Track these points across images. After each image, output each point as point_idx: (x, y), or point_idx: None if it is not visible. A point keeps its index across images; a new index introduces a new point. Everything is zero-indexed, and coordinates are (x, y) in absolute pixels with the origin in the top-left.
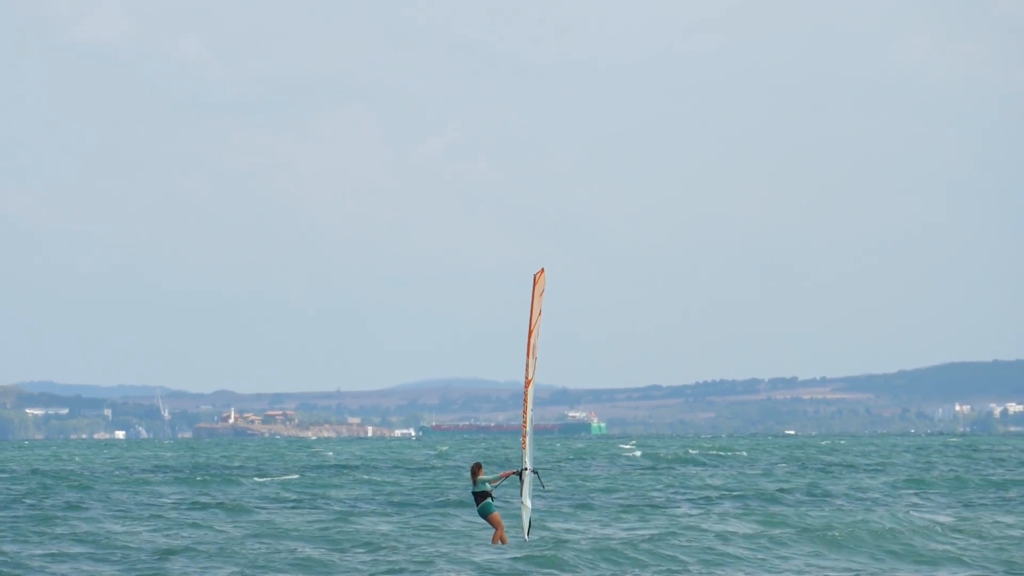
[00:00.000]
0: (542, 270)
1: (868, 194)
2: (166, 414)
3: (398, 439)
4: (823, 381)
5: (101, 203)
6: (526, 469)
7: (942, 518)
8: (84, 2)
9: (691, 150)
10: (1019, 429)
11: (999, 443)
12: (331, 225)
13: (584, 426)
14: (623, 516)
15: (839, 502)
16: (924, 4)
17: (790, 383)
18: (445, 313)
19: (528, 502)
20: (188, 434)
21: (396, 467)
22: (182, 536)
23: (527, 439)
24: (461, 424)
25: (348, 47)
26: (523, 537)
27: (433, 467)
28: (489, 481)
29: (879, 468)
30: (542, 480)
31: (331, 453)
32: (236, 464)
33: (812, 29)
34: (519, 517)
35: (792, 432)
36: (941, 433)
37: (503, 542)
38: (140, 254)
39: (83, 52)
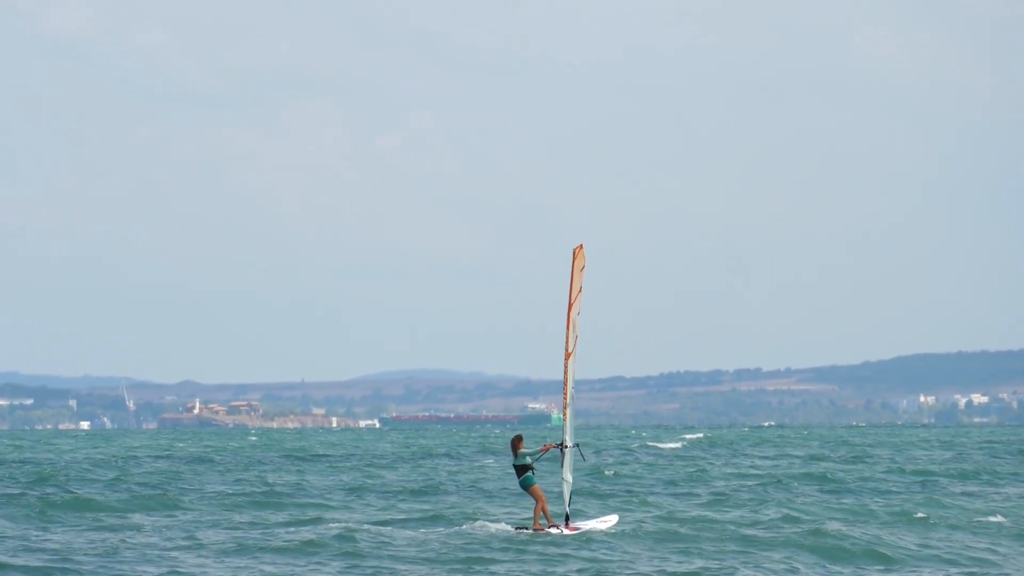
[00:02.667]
0: (581, 246)
1: (833, 189)
2: (131, 405)
3: (357, 429)
4: (788, 372)
5: (67, 194)
6: (568, 444)
7: None
8: None
9: (655, 144)
10: (984, 420)
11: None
12: (296, 217)
13: (544, 417)
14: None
15: None
16: None
17: (754, 374)
18: (409, 304)
19: (569, 477)
20: (153, 425)
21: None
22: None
23: (567, 413)
24: (421, 415)
25: (313, 40)
26: (564, 511)
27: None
28: (530, 454)
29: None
30: (583, 454)
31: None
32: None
33: (778, 25)
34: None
35: (770, 424)
36: (924, 425)
37: (545, 515)
38: (105, 245)
39: (49, 44)
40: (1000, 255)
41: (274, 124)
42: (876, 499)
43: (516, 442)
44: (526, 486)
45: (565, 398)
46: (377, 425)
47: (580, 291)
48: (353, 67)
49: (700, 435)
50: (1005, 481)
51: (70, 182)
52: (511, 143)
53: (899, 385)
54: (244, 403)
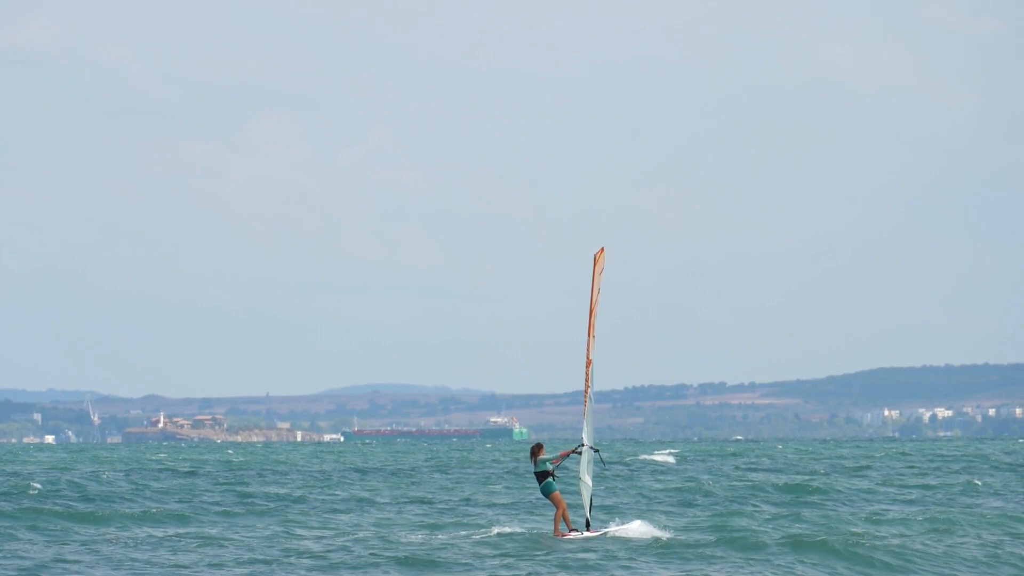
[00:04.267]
0: (602, 249)
1: (798, 204)
2: (96, 419)
3: (317, 443)
4: (752, 386)
5: (29, 207)
6: (584, 446)
7: None
8: (11, 8)
9: (620, 159)
10: (948, 434)
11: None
12: (259, 231)
13: (506, 432)
14: None
15: None
16: (851, 10)
17: (719, 388)
18: (374, 319)
19: (588, 479)
20: (118, 439)
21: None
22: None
23: (587, 419)
24: (383, 429)
25: (276, 54)
26: (585, 516)
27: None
28: (550, 461)
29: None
30: (602, 458)
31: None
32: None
33: (745, 40)
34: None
35: (740, 438)
36: (895, 438)
37: (566, 521)
38: (69, 259)
39: (11, 57)
40: (965, 270)
41: (237, 138)
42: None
43: (536, 449)
44: (546, 493)
45: (586, 403)
46: (341, 439)
47: (599, 292)
48: (316, 81)
49: (675, 450)
50: None
51: (33, 196)
52: (475, 157)
53: (863, 399)
54: (209, 417)
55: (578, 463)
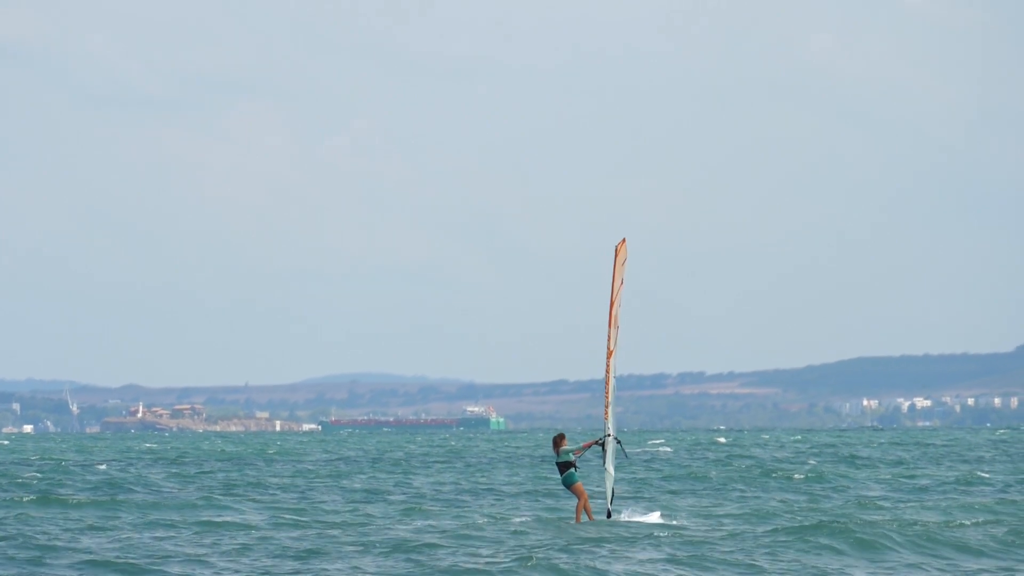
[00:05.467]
0: (623, 240)
1: (778, 196)
2: (75, 408)
3: (296, 433)
4: (731, 376)
5: (10, 196)
6: (609, 436)
7: None
8: None
9: (599, 149)
10: (927, 424)
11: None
12: (239, 220)
13: (483, 421)
14: None
15: None
16: (837, 2)
17: (698, 378)
18: (353, 308)
19: (611, 469)
20: (96, 428)
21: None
22: None
23: (609, 409)
24: (360, 419)
25: (257, 43)
26: (607, 507)
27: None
28: (572, 452)
29: None
30: (624, 448)
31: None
32: None
33: (722, 28)
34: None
35: (722, 427)
36: (879, 427)
37: (587, 512)
38: (49, 248)
39: None
40: (944, 260)
41: (218, 127)
42: None
43: (558, 440)
44: (568, 483)
45: (607, 395)
46: (319, 429)
47: (622, 284)
48: (298, 70)
49: (660, 440)
50: None
51: (12, 185)
52: (456, 147)
53: (842, 389)
54: (187, 406)
55: (597, 453)
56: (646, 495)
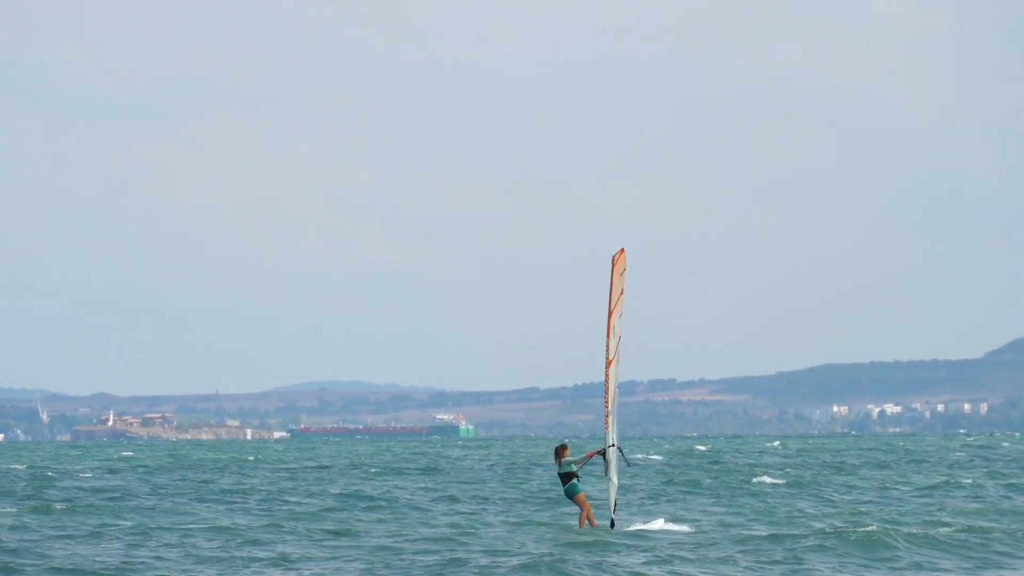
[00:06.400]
0: (622, 250)
1: (745, 198)
2: (45, 417)
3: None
4: (701, 383)
5: None
6: (612, 446)
7: None
8: None
9: (575, 157)
10: (898, 430)
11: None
12: (208, 228)
13: (453, 429)
14: None
15: None
16: (806, 9)
17: (668, 385)
18: (323, 316)
19: (615, 479)
20: (67, 437)
21: None
22: None
23: (611, 418)
24: (330, 427)
25: (225, 52)
26: (609, 516)
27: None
28: (574, 462)
29: None
30: (626, 457)
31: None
32: None
33: (694, 34)
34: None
35: (694, 434)
36: (852, 433)
37: (590, 521)
38: (18, 257)
39: None
40: (914, 267)
41: (188, 135)
42: None
43: (560, 450)
44: (571, 494)
45: (607, 405)
46: (288, 437)
47: (622, 294)
48: (269, 78)
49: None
50: None
51: None
52: (427, 153)
53: (812, 395)
54: (158, 415)
55: (597, 463)
56: (646, 502)
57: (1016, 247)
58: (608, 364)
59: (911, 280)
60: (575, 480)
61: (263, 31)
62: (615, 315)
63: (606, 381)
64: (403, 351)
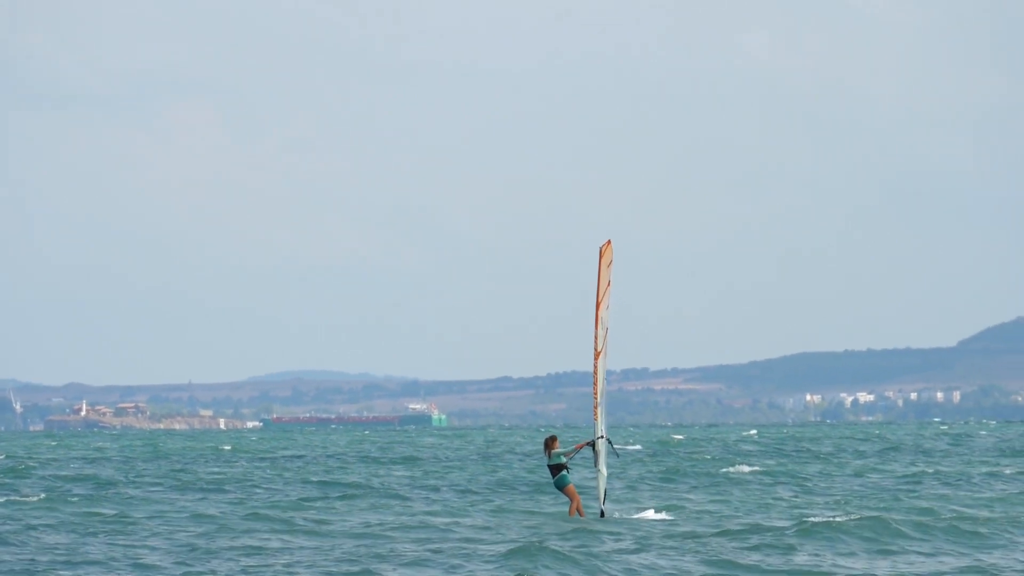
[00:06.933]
0: (608, 242)
1: (715, 190)
2: (18, 407)
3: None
4: (674, 372)
5: None
6: (601, 437)
7: None
8: None
9: (540, 146)
10: (871, 419)
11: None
12: (179, 218)
13: (425, 418)
14: None
15: None
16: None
17: (641, 374)
18: (296, 305)
19: (604, 470)
20: (40, 427)
21: None
22: None
23: (599, 410)
24: (302, 416)
25: (191, 41)
26: (600, 506)
27: None
28: (563, 454)
29: None
30: (615, 448)
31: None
32: None
33: (662, 26)
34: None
35: (668, 424)
36: (827, 422)
37: (580, 513)
38: None
39: None
40: (886, 255)
41: (155, 125)
42: None
43: (550, 442)
44: (560, 486)
45: (595, 396)
46: (260, 426)
47: (609, 285)
48: (234, 68)
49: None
50: None
51: None
52: (397, 143)
53: (785, 384)
54: (131, 404)
55: (586, 455)
56: (630, 492)
57: (989, 237)
58: (596, 355)
59: (884, 269)
60: (565, 472)
61: (231, 20)
62: (602, 306)
63: (594, 372)
64: (376, 340)
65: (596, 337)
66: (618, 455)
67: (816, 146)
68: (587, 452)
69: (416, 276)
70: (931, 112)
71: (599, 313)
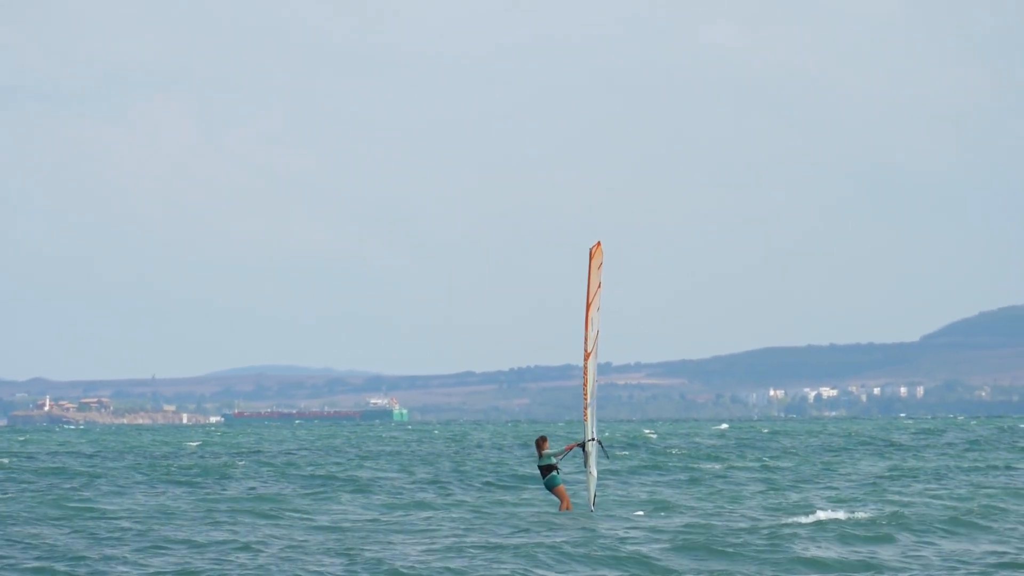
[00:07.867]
0: (598, 243)
1: (682, 182)
2: None
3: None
4: (637, 367)
5: None
6: (591, 440)
7: None
8: None
9: (512, 141)
10: (835, 414)
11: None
12: (145, 213)
13: (386, 413)
14: None
15: None
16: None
17: (604, 368)
18: (260, 300)
19: (594, 471)
20: (3, 422)
21: None
22: None
23: (589, 411)
24: (264, 411)
25: (162, 35)
26: (589, 508)
27: None
28: (554, 455)
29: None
30: (606, 449)
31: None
32: None
33: (628, 17)
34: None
35: (634, 419)
36: (792, 417)
37: (568, 510)
38: None
39: None
40: (850, 250)
41: (125, 119)
42: None
43: (541, 442)
44: (551, 486)
45: (585, 397)
46: (221, 421)
47: (599, 287)
48: (202, 62)
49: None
50: None
51: None
52: (363, 137)
53: (748, 379)
54: (95, 400)
55: (575, 456)
56: (617, 487)
57: (952, 232)
58: (586, 357)
59: (847, 264)
60: (555, 472)
61: (201, 16)
62: (593, 308)
63: (584, 373)
64: (340, 335)
65: (586, 339)
66: (609, 458)
67: (782, 144)
68: (578, 452)
69: (380, 271)
70: (898, 111)
71: (589, 315)
